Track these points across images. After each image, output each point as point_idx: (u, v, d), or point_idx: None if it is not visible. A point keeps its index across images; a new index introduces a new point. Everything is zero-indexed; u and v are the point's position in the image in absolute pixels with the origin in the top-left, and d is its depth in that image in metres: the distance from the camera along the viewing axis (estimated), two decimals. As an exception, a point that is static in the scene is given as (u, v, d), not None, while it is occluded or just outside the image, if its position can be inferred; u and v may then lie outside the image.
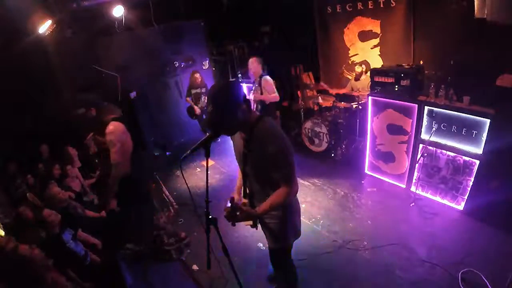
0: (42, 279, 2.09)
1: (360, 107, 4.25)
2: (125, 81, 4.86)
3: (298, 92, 5.13)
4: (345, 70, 4.87)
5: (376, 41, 4.35)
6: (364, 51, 4.57)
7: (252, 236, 3.14)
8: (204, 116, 5.32)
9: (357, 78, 4.67)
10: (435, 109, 3.13)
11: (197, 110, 5.33)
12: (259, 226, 2.01)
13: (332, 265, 2.82)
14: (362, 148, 4.04)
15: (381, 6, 4.08)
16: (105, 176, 4.40)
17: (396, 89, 3.38)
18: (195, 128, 5.73)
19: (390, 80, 3.41)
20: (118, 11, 4.41)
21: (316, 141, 4.67)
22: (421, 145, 3.36)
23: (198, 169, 4.90)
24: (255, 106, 4.12)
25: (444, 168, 3.25)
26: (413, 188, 3.54)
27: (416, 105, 3.28)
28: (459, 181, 3.17)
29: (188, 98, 5.38)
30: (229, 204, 1.65)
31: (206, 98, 5.07)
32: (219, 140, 5.70)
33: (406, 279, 2.55)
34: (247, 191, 1.95)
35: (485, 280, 2.38)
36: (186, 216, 3.84)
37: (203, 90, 5.37)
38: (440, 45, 3.65)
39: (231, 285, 2.71)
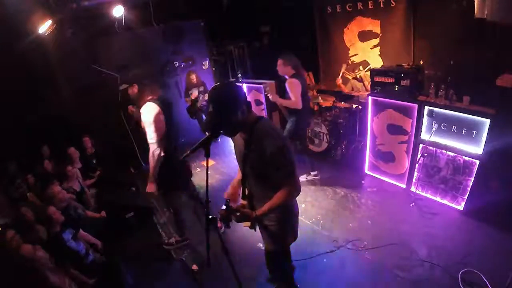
0: (44, 278, 2.10)
1: (360, 107, 4.25)
2: (125, 81, 4.85)
3: (298, 92, 5.12)
4: (345, 71, 4.86)
5: (376, 41, 4.35)
6: (364, 51, 4.57)
7: (252, 236, 3.13)
8: (203, 117, 5.32)
9: (359, 80, 4.68)
10: (435, 109, 3.13)
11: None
12: (257, 227, 2.01)
13: (332, 265, 2.82)
14: (362, 148, 4.04)
15: (381, 6, 4.08)
16: (105, 177, 4.45)
17: (396, 89, 3.38)
18: (195, 128, 5.73)
19: (390, 80, 3.41)
20: (118, 11, 4.41)
21: (316, 141, 4.68)
22: (421, 145, 3.36)
23: (198, 169, 4.90)
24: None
25: (444, 168, 3.25)
26: (413, 188, 3.54)
27: (416, 105, 3.28)
28: (459, 181, 3.16)
29: (187, 99, 5.38)
30: (224, 207, 1.65)
31: (206, 96, 5.07)
32: (219, 140, 5.70)
33: (406, 279, 2.55)
34: (246, 192, 1.95)
35: (485, 280, 2.38)
36: (186, 216, 3.83)
37: (201, 89, 5.36)
38: (440, 45, 3.65)
39: (231, 285, 2.71)
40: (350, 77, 4.86)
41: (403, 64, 3.49)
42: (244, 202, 1.96)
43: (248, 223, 1.88)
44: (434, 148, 3.24)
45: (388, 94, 3.48)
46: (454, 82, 3.13)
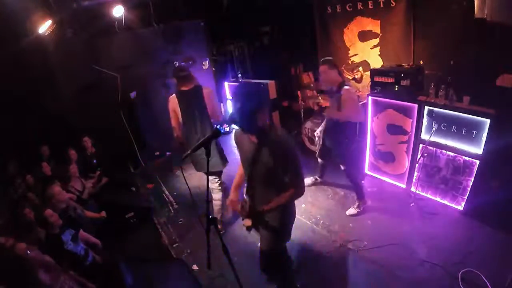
0: (37, 279, 2.09)
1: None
2: (125, 81, 4.86)
3: (298, 92, 5.13)
4: (345, 70, 4.86)
5: (376, 41, 4.34)
6: (364, 51, 4.57)
7: (252, 236, 3.14)
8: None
9: (358, 81, 4.68)
10: (435, 109, 3.13)
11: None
12: (252, 230, 2.05)
13: (332, 265, 2.82)
14: (362, 148, 4.04)
15: (381, 6, 4.07)
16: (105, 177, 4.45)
17: (396, 89, 3.38)
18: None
19: (390, 80, 3.40)
20: (118, 11, 4.41)
21: (316, 141, 4.67)
22: (421, 145, 3.36)
23: (198, 169, 4.90)
24: (324, 125, 3.33)
25: (444, 168, 3.25)
26: (413, 188, 3.54)
27: (416, 105, 3.28)
28: (459, 181, 3.16)
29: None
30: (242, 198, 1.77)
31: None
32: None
33: (406, 279, 2.55)
34: (249, 194, 1.97)
35: (485, 280, 2.38)
36: (186, 216, 3.84)
37: None
38: (440, 45, 3.64)
39: (231, 285, 2.71)
40: (349, 77, 4.86)
41: (403, 64, 3.48)
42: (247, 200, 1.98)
43: (249, 223, 1.90)
44: (434, 148, 3.24)
45: (388, 94, 3.48)
46: (454, 82, 3.13)
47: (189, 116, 3.09)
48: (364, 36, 4.45)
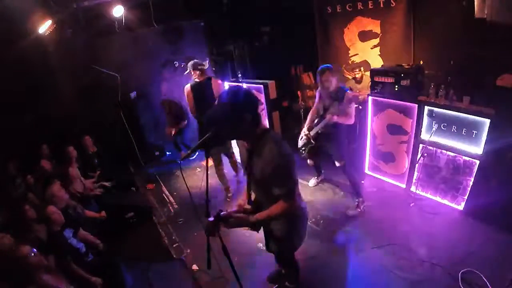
0: (40, 281, 2.09)
1: (360, 107, 4.24)
2: (125, 81, 4.86)
3: (298, 92, 5.13)
4: (345, 70, 4.86)
5: (376, 41, 4.34)
6: (364, 51, 4.56)
7: (252, 236, 3.14)
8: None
9: (358, 81, 4.68)
10: (435, 109, 3.13)
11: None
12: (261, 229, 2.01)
13: (332, 265, 2.82)
14: (362, 148, 4.04)
15: (381, 6, 4.07)
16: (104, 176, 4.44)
17: (396, 89, 3.38)
18: (195, 129, 5.73)
19: (390, 80, 3.40)
20: (118, 11, 4.41)
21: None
22: (421, 145, 3.36)
23: (198, 169, 4.90)
24: (320, 128, 3.28)
25: (444, 168, 3.25)
26: (413, 188, 3.54)
27: (416, 105, 3.28)
28: (459, 181, 3.16)
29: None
30: (211, 218, 1.63)
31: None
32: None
33: (406, 279, 2.55)
34: (251, 198, 1.95)
35: (485, 280, 2.38)
36: (186, 216, 3.84)
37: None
38: (440, 45, 3.64)
39: (231, 285, 2.71)
40: (349, 77, 4.86)
41: (403, 64, 3.48)
42: (248, 207, 1.95)
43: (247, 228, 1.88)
44: (434, 148, 3.24)
45: (388, 94, 3.48)
46: (454, 82, 3.12)
47: (200, 104, 3.67)
48: (364, 36, 4.45)
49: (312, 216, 3.49)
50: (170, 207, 4.11)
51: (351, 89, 4.01)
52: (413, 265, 2.67)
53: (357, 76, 4.70)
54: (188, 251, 3.25)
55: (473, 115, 2.88)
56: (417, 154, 3.39)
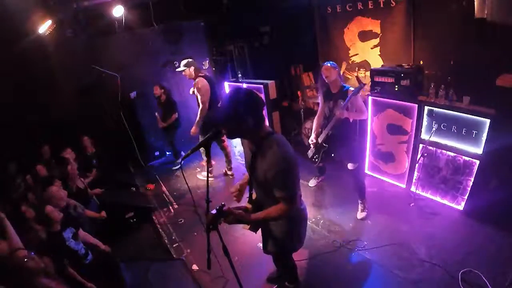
0: (37, 285, 2.08)
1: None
2: (125, 81, 4.86)
3: (298, 92, 5.13)
4: (345, 70, 4.86)
5: (376, 41, 4.34)
6: (364, 51, 4.56)
7: (252, 236, 3.13)
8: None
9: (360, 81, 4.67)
10: (435, 109, 3.13)
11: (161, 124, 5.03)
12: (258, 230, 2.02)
13: (332, 265, 2.82)
14: (363, 150, 4.04)
15: (381, 6, 4.07)
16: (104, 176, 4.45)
17: (396, 89, 3.38)
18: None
19: (390, 80, 3.41)
20: (118, 11, 4.42)
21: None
22: (421, 145, 3.36)
23: (199, 169, 4.91)
24: (329, 129, 3.14)
25: (444, 168, 3.25)
26: (413, 188, 3.54)
27: (416, 105, 3.28)
28: (459, 181, 3.16)
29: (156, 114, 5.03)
30: (214, 211, 1.63)
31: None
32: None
33: (406, 279, 2.55)
34: (253, 197, 1.96)
35: (485, 280, 2.38)
36: (186, 216, 3.85)
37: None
38: (440, 45, 3.64)
39: (231, 285, 2.71)
40: (350, 77, 4.86)
41: (403, 64, 3.48)
42: (249, 206, 1.96)
43: (247, 227, 1.89)
44: (434, 148, 3.24)
45: (388, 94, 3.48)
46: (454, 82, 3.12)
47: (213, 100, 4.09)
48: (364, 36, 4.45)
49: (312, 216, 3.49)
50: (170, 207, 4.11)
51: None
52: (413, 265, 2.67)
53: (360, 75, 4.69)
54: (188, 251, 3.25)
55: (473, 115, 2.88)
56: (417, 154, 3.39)
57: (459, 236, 2.94)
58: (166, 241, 3.46)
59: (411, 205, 3.41)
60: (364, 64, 4.63)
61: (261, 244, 2.19)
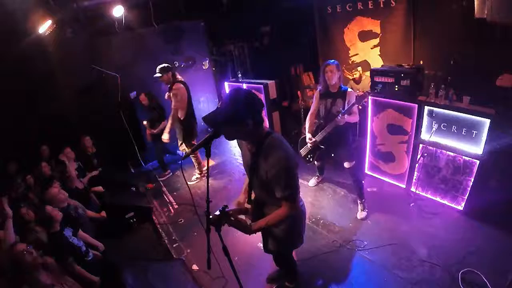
0: (37, 280, 2.08)
1: (360, 107, 4.24)
2: (125, 81, 4.86)
3: (298, 92, 5.13)
4: (345, 70, 4.86)
5: (376, 41, 4.35)
6: (364, 51, 4.57)
7: (253, 236, 3.14)
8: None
9: (357, 82, 4.68)
10: (435, 109, 3.13)
11: (149, 137, 4.81)
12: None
13: (332, 265, 2.82)
14: (362, 148, 4.04)
15: (381, 6, 4.07)
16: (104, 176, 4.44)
17: (396, 89, 3.38)
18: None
19: (390, 80, 3.41)
20: (118, 11, 4.42)
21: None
22: (421, 145, 3.36)
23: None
24: (328, 131, 3.14)
25: (444, 168, 3.25)
26: (413, 188, 3.54)
27: (416, 105, 3.28)
28: (459, 181, 3.16)
29: (145, 122, 4.81)
30: (218, 212, 1.64)
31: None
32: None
33: (406, 279, 2.56)
34: (252, 197, 1.96)
35: (485, 280, 2.38)
36: (186, 216, 3.85)
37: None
38: (440, 45, 3.65)
39: (231, 285, 2.71)
40: (350, 77, 4.86)
41: (403, 64, 3.48)
42: (248, 206, 1.96)
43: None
44: (434, 148, 3.24)
45: (388, 94, 3.48)
46: (454, 82, 3.12)
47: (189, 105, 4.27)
48: (364, 36, 4.45)
49: (312, 216, 3.49)
50: (170, 207, 4.11)
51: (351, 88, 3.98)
52: (413, 265, 2.68)
53: (355, 76, 4.71)
54: (188, 251, 3.25)
55: (473, 115, 2.88)
56: (417, 154, 3.39)
57: (459, 236, 2.94)
58: (166, 241, 3.46)
59: (411, 205, 3.41)
60: (364, 64, 4.64)
61: (261, 244, 2.19)
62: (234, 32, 5.87)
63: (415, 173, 3.52)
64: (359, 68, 4.67)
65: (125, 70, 4.83)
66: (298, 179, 1.72)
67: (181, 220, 3.79)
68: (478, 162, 2.95)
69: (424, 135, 3.30)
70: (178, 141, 4.43)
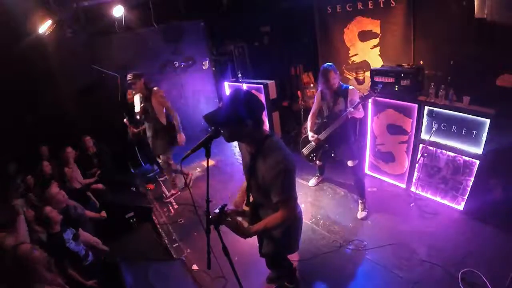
0: (42, 278, 2.08)
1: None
2: (125, 81, 4.86)
3: (298, 92, 5.13)
4: (345, 70, 4.86)
5: (376, 41, 4.34)
6: (364, 51, 4.56)
7: (252, 237, 3.14)
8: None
9: (360, 82, 4.67)
10: (435, 109, 3.13)
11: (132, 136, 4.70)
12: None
13: (332, 265, 2.82)
14: (362, 148, 4.04)
15: (381, 6, 4.07)
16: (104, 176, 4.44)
17: (396, 89, 3.38)
18: (195, 129, 5.73)
19: (390, 80, 3.41)
20: (118, 11, 4.41)
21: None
22: (421, 145, 3.36)
23: (199, 169, 4.90)
24: (334, 128, 3.14)
25: (444, 168, 3.25)
26: (413, 188, 3.54)
27: (416, 105, 3.28)
28: (459, 181, 3.17)
29: (126, 120, 4.61)
30: (217, 210, 1.63)
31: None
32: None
33: (406, 279, 2.55)
34: (250, 200, 1.95)
35: (485, 280, 2.38)
36: (186, 216, 3.85)
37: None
38: (440, 45, 3.64)
39: (231, 285, 2.71)
40: (350, 77, 4.86)
41: (403, 64, 3.48)
42: (246, 208, 1.95)
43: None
44: (434, 148, 3.25)
45: (388, 94, 3.48)
46: (454, 82, 3.12)
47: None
48: (364, 36, 4.45)
49: (312, 216, 3.49)
50: (170, 207, 4.11)
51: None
52: (413, 265, 2.68)
53: (360, 77, 4.70)
54: (188, 251, 3.25)
55: (473, 115, 2.88)
56: (417, 154, 3.39)
57: (459, 236, 2.94)
58: (166, 241, 3.46)
59: (411, 205, 3.41)
60: (364, 64, 4.64)
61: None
62: (234, 32, 5.86)
63: (415, 173, 3.52)
64: (367, 74, 4.66)
65: (125, 70, 4.82)
66: (295, 184, 1.69)
67: (181, 220, 3.79)
68: (478, 162, 2.95)
69: (424, 135, 3.30)
70: (157, 153, 4.16)
